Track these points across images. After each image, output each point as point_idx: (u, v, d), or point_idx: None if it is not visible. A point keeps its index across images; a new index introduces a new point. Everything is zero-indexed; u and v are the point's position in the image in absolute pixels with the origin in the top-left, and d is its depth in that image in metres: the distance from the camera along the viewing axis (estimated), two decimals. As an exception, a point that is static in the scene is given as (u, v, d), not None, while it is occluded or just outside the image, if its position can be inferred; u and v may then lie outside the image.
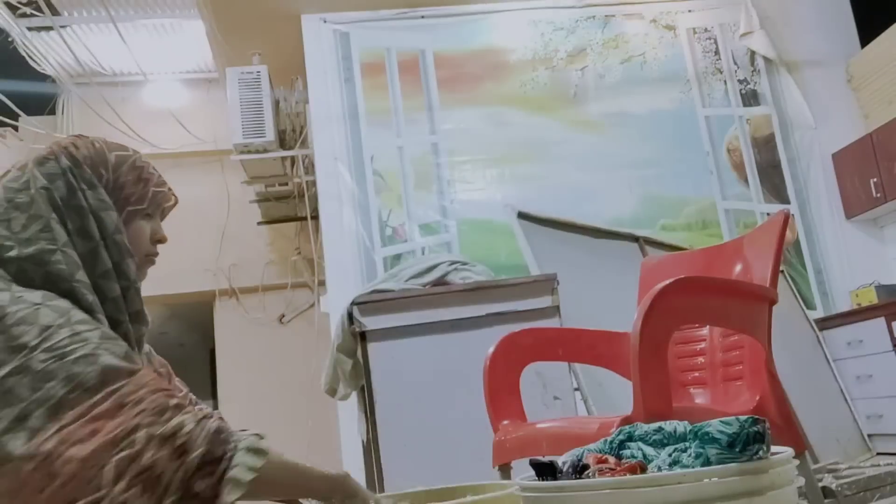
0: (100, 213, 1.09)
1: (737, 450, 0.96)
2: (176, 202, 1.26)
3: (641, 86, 4.87)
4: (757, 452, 0.96)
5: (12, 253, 1.02)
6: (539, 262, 3.12)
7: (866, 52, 4.97)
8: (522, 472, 1.19)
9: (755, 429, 0.97)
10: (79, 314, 1.00)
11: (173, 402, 0.97)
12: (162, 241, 1.21)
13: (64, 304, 1.00)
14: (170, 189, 1.23)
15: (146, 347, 1.20)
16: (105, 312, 1.05)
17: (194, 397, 1.19)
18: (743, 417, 0.98)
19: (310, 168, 5.19)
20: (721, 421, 0.99)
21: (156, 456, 0.91)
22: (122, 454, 0.89)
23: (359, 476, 2.47)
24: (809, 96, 4.98)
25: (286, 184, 5.52)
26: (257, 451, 0.99)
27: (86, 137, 1.16)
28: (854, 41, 5.15)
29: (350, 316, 2.44)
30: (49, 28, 5.24)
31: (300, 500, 1.17)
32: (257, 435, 1.02)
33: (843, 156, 4.86)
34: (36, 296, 0.99)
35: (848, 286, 4.68)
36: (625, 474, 0.99)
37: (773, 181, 4.88)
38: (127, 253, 1.11)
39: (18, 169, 1.10)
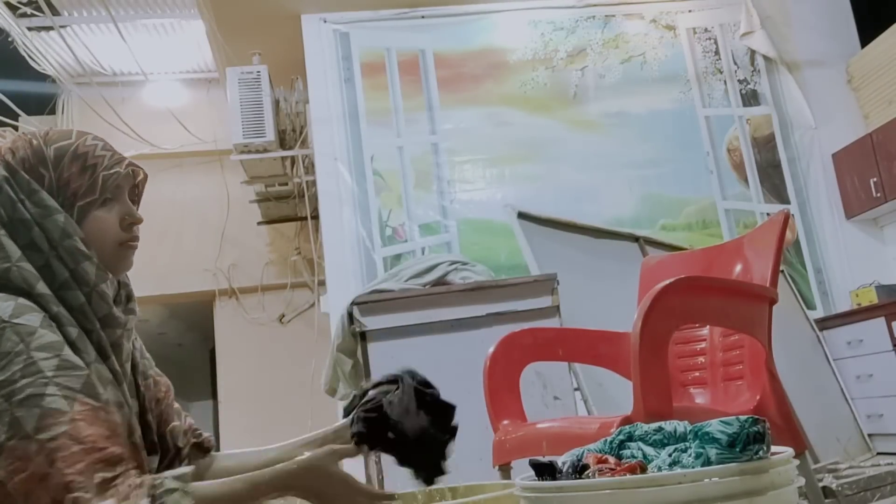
0: (43, 222, 1.03)
1: (737, 450, 0.96)
2: (145, 176, 1.16)
3: (641, 86, 4.87)
4: (757, 452, 0.96)
5: None
6: (539, 262, 3.12)
7: (866, 52, 4.97)
8: (522, 472, 1.19)
9: (755, 429, 0.97)
10: (44, 337, 0.95)
11: (98, 478, 0.90)
12: (135, 223, 1.12)
13: (33, 320, 0.96)
14: (129, 165, 1.13)
15: (132, 347, 1.14)
16: (74, 323, 1.01)
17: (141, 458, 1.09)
18: (743, 417, 0.99)
19: (310, 168, 5.19)
20: (721, 421, 0.99)
21: None
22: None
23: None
24: (809, 96, 4.98)
25: (286, 184, 5.52)
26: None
27: (24, 136, 1.09)
28: (854, 41, 5.15)
29: (350, 316, 2.44)
30: (49, 28, 5.24)
31: None
32: (180, 480, 0.95)
33: (843, 156, 4.86)
34: (6, 308, 0.95)
35: (848, 286, 4.68)
36: (625, 474, 0.99)
37: (773, 181, 4.88)
38: (82, 256, 1.04)
39: None
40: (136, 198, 1.16)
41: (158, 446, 1.16)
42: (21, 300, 0.97)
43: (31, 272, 1.00)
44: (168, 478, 0.94)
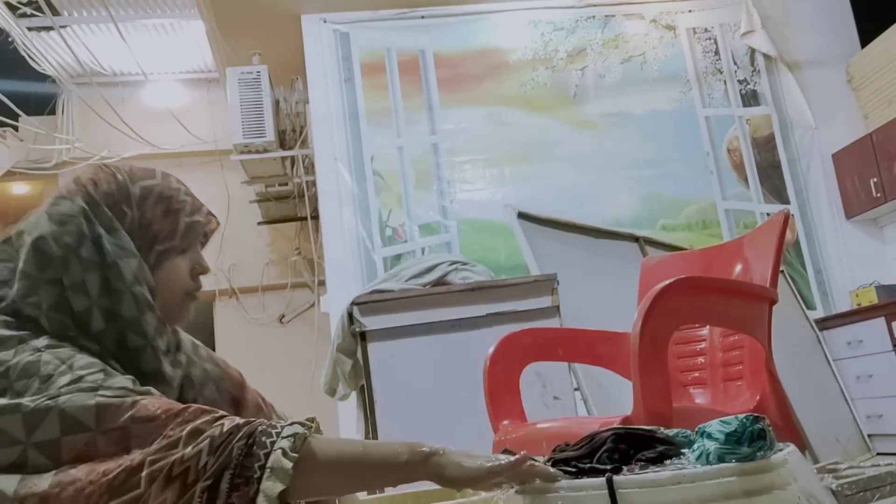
0: (116, 262, 0.96)
1: (744, 447, 0.96)
2: (217, 225, 1.12)
3: (641, 86, 4.87)
4: (761, 449, 0.96)
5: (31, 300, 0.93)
6: (539, 262, 3.11)
7: (866, 52, 4.97)
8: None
9: (758, 426, 0.97)
10: (83, 360, 0.90)
11: (188, 428, 0.85)
12: (203, 272, 1.08)
13: (66, 351, 0.90)
14: (208, 213, 1.09)
15: (215, 386, 1.10)
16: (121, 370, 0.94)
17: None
18: (742, 415, 0.98)
19: (310, 168, 5.19)
20: (720, 421, 0.99)
21: (161, 497, 0.80)
22: (123, 498, 0.80)
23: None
24: (809, 96, 4.98)
25: (286, 184, 5.53)
26: (288, 455, 0.85)
27: (107, 168, 1.03)
28: (854, 41, 5.15)
29: (350, 316, 2.44)
30: (49, 28, 5.24)
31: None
32: (303, 423, 0.90)
33: (843, 156, 4.86)
34: (40, 341, 0.90)
35: (848, 286, 4.68)
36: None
37: (773, 181, 4.88)
38: (146, 307, 0.97)
39: (56, 197, 1.00)
40: (203, 245, 1.12)
41: None
42: (49, 339, 0.91)
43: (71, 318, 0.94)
44: (289, 422, 0.90)
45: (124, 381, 0.90)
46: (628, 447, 1.03)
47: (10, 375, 0.87)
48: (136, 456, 0.82)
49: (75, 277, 0.94)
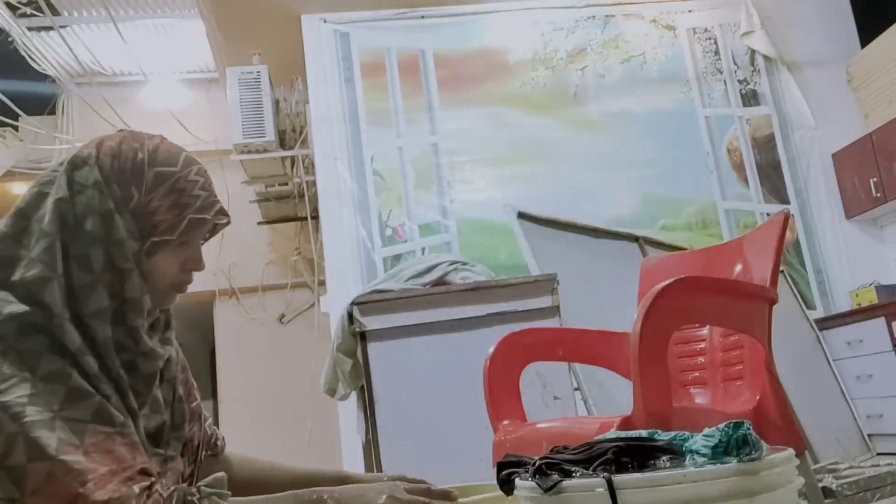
0: (123, 241, 0.96)
1: (732, 456, 0.96)
2: (228, 223, 1.10)
3: (641, 86, 4.87)
4: (749, 454, 0.96)
5: (16, 276, 0.92)
6: (539, 262, 3.12)
7: (866, 52, 4.97)
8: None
9: (740, 433, 0.97)
10: (51, 363, 0.88)
11: (136, 489, 0.86)
12: (197, 269, 1.07)
13: (38, 345, 0.89)
14: (219, 212, 1.06)
15: (165, 366, 1.07)
16: (93, 353, 0.93)
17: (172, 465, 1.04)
18: (722, 425, 0.98)
19: (310, 168, 5.19)
20: (703, 436, 0.99)
21: None
22: None
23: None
24: (809, 96, 4.98)
25: (286, 184, 5.53)
26: None
27: (133, 141, 1.02)
28: (854, 41, 5.15)
29: (350, 316, 2.44)
30: (49, 28, 5.24)
31: None
32: (216, 487, 0.92)
33: (843, 156, 4.86)
34: (11, 328, 0.89)
35: (848, 286, 4.68)
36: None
37: (773, 181, 4.88)
38: (143, 289, 0.98)
39: (55, 168, 0.99)
40: (206, 240, 1.10)
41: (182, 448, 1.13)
42: (31, 315, 0.90)
43: (64, 291, 0.93)
44: (203, 485, 0.91)
45: (86, 402, 0.89)
46: (630, 460, 1.02)
47: None
48: (84, 493, 0.82)
49: (80, 250, 0.94)
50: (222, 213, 1.08)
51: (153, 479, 0.89)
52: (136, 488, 0.86)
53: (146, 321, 1.01)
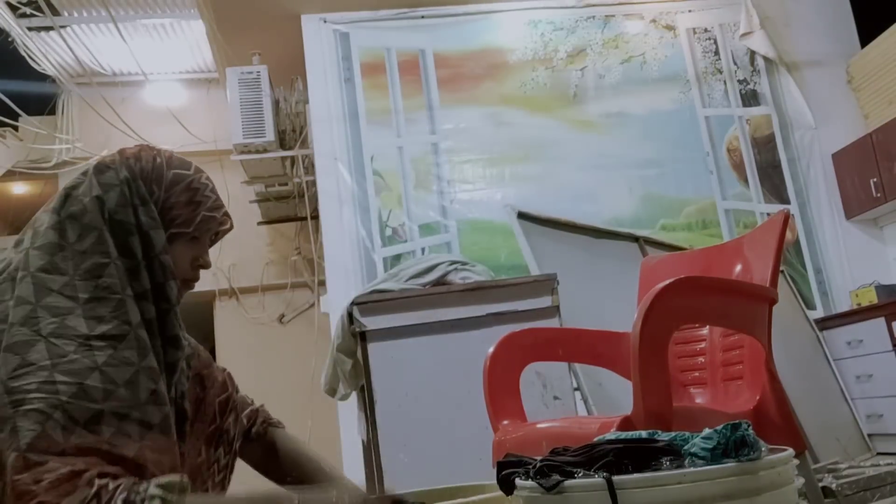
0: (149, 232, 1.08)
1: (730, 458, 0.96)
2: (231, 227, 1.22)
3: (641, 86, 4.87)
4: (747, 455, 0.96)
5: (67, 265, 1.01)
6: (539, 262, 3.11)
7: (866, 52, 4.97)
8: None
9: (738, 434, 0.97)
10: (74, 363, 0.95)
11: (96, 481, 0.90)
12: (204, 266, 1.18)
13: (68, 343, 0.96)
14: (225, 214, 1.19)
15: (186, 363, 1.15)
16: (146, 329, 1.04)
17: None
18: (720, 427, 0.98)
19: (310, 168, 5.19)
20: (702, 438, 0.99)
21: None
22: None
23: (359, 476, 2.47)
24: (809, 96, 4.98)
25: (286, 184, 5.53)
26: None
27: (150, 150, 1.15)
28: (854, 41, 5.15)
29: (350, 316, 2.44)
30: (49, 28, 5.24)
31: None
32: (166, 489, 0.94)
33: (843, 156, 4.86)
34: (52, 322, 0.97)
35: (848, 286, 4.68)
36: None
37: (773, 181, 4.88)
38: (171, 275, 1.09)
39: (82, 174, 1.10)
40: (212, 243, 1.22)
41: (218, 440, 1.23)
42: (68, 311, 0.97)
43: (124, 272, 1.04)
44: (157, 484, 0.93)
45: (91, 405, 0.93)
46: (630, 463, 1.02)
47: (1, 339, 0.94)
48: (37, 492, 0.86)
49: (122, 238, 1.05)
50: (227, 216, 1.20)
51: (115, 478, 0.91)
52: (89, 490, 0.89)
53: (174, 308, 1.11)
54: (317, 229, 5.25)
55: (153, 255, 1.07)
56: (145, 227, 1.07)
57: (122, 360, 0.98)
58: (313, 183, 5.09)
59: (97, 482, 0.90)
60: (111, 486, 0.91)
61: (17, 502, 0.87)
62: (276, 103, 4.95)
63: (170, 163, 1.14)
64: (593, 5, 4.93)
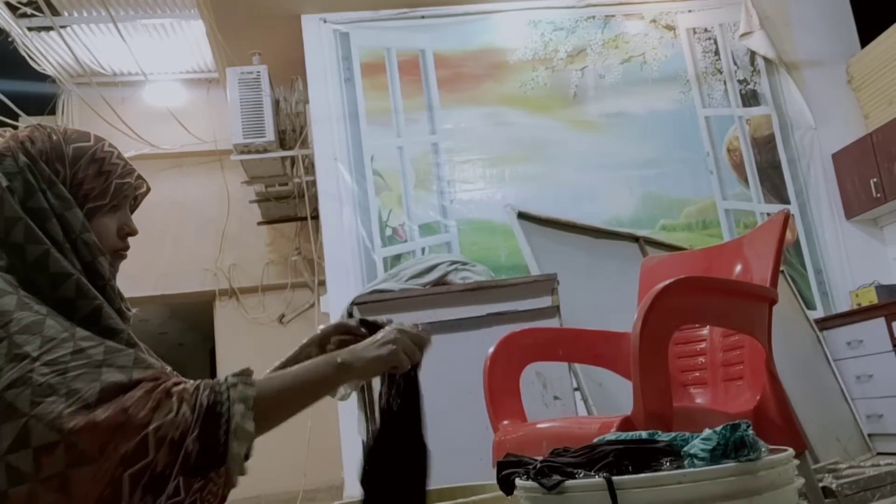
0: (64, 213, 1.03)
1: (730, 458, 0.96)
2: (148, 190, 1.19)
3: (641, 86, 4.87)
4: (747, 455, 0.96)
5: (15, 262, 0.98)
6: (539, 262, 3.11)
7: (866, 52, 4.97)
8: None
9: (737, 434, 0.97)
10: (82, 331, 0.96)
11: (173, 389, 0.95)
12: (131, 233, 1.15)
13: (66, 322, 0.96)
14: (138, 177, 1.16)
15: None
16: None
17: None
18: (719, 428, 0.98)
19: (310, 168, 5.19)
20: (702, 439, 0.99)
21: (165, 459, 0.90)
22: (136, 468, 0.88)
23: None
24: (809, 96, 4.98)
25: (286, 184, 5.53)
26: (245, 399, 0.97)
27: (43, 128, 1.10)
28: (854, 41, 5.15)
29: (350, 316, 2.44)
30: (49, 28, 5.24)
31: None
32: (241, 375, 1.00)
33: (843, 156, 4.86)
34: (43, 308, 0.96)
35: (848, 286, 4.68)
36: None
37: (773, 181, 4.88)
38: (98, 251, 1.05)
39: None
40: (133, 209, 1.18)
41: None
42: (50, 309, 0.97)
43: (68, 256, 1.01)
44: (230, 375, 1.00)
45: (126, 353, 0.97)
46: (630, 463, 1.02)
47: (10, 327, 0.92)
48: (137, 426, 0.89)
49: (42, 224, 1.01)
50: (142, 178, 1.17)
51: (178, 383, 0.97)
52: (171, 400, 0.94)
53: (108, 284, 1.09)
54: (317, 229, 5.25)
55: (74, 237, 1.03)
56: (58, 209, 1.03)
57: (90, 336, 0.98)
58: (313, 183, 5.09)
59: (174, 390, 0.94)
60: (191, 388, 0.96)
61: (114, 436, 0.87)
62: (276, 103, 4.95)
63: (67, 138, 1.09)
64: (593, 5, 4.94)
